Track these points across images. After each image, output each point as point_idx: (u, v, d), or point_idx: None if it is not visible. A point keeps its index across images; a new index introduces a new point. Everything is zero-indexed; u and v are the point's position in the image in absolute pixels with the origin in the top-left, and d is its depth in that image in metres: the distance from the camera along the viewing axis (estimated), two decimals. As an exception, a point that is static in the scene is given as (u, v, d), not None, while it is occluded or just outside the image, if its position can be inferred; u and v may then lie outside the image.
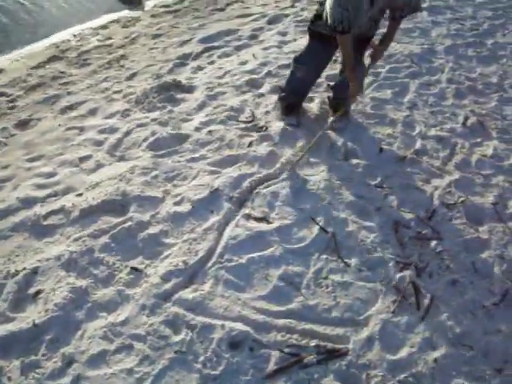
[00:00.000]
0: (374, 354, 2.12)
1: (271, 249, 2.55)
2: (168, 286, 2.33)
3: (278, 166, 3.12)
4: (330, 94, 3.70)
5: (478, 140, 3.65)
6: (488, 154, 3.49)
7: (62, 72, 4.63)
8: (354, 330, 2.21)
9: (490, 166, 3.37)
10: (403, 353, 2.14)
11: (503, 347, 2.22)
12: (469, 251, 2.68)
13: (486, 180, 3.24)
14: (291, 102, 3.62)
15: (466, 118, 3.88)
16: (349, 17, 2.67)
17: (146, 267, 2.44)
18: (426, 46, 5.02)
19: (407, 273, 2.49)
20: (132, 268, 2.43)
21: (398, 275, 2.47)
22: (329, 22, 2.77)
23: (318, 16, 3.03)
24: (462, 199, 3.01)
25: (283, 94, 3.63)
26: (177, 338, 2.11)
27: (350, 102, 3.28)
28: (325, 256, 2.55)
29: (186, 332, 2.13)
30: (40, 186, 3.02)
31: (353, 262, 2.54)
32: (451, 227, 2.82)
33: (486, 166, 3.38)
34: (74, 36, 5.59)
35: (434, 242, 2.69)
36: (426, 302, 2.37)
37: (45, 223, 2.73)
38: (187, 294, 2.30)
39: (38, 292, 2.32)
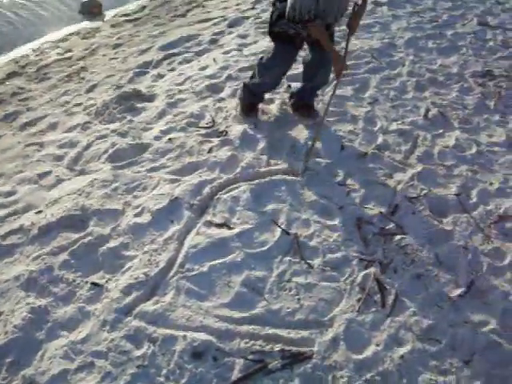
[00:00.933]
0: (339, 354, 2.11)
1: (233, 255, 2.53)
2: (129, 299, 2.29)
3: (238, 170, 3.10)
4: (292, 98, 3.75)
5: (440, 131, 3.67)
6: (450, 145, 3.51)
7: (21, 88, 4.56)
8: (318, 332, 2.20)
9: (452, 157, 3.39)
10: (369, 352, 2.13)
11: (470, 339, 2.22)
12: (433, 244, 2.69)
13: (449, 171, 3.25)
14: (251, 101, 3.65)
15: (428, 110, 3.90)
16: (317, 5, 2.71)
17: (106, 282, 2.40)
18: (386, 41, 5.03)
19: (371, 270, 2.48)
20: (92, 283, 2.39)
21: (363, 273, 2.47)
22: (296, 14, 2.78)
23: (279, 16, 3.01)
24: (424, 192, 3.02)
25: (243, 95, 3.64)
26: (138, 353, 2.08)
27: (337, 80, 3.17)
28: (288, 258, 2.54)
29: (148, 345, 2.10)
30: (-1, 206, 2.96)
31: (316, 262, 2.52)
32: (415, 221, 2.82)
33: (449, 156, 3.39)
34: (34, 50, 5.51)
35: (397, 237, 2.69)
36: (392, 298, 2.36)
37: (4, 243, 2.67)
38: (148, 306, 2.26)
39: (-2, 315, 2.28)
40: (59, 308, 2.29)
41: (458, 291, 2.44)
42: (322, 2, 2.71)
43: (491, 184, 3.15)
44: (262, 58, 3.39)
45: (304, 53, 3.51)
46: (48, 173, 3.23)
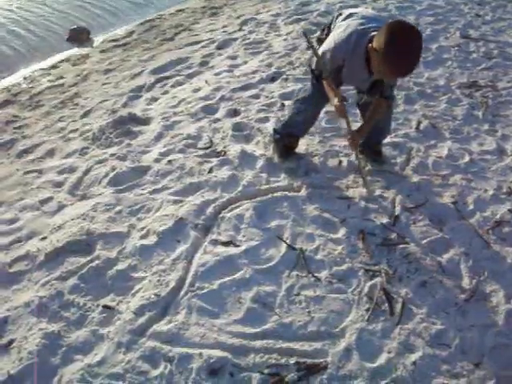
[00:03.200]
0: (353, 364, 2.14)
1: (241, 272, 2.56)
2: (142, 320, 2.31)
3: (239, 188, 3.15)
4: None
5: (433, 142, 3.75)
6: (443, 155, 3.59)
7: (15, 116, 4.58)
8: (331, 343, 2.23)
9: (446, 167, 3.46)
10: (382, 359, 2.17)
11: (479, 341, 2.27)
12: (435, 251, 2.75)
13: (444, 180, 3.32)
14: (288, 142, 3.43)
15: (419, 122, 3.99)
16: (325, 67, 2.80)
17: (117, 304, 2.42)
18: (373, 57, 5.13)
19: (377, 280, 2.53)
20: (104, 306, 2.41)
21: (369, 283, 2.52)
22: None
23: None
24: (422, 201, 3.08)
25: (278, 136, 3.43)
26: (156, 372, 2.09)
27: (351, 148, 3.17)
28: (295, 273, 2.58)
29: (165, 365, 2.12)
30: (2, 234, 2.96)
31: (323, 275, 2.57)
32: (415, 230, 2.88)
33: (443, 166, 3.47)
34: (25, 78, 5.54)
35: (400, 247, 2.75)
36: (399, 306, 2.41)
37: (11, 270, 2.68)
38: (162, 326, 2.29)
39: (11, 342, 2.27)
40: (72, 332, 2.30)
41: (463, 296, 2.49)
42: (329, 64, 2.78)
43: (486, 191, 3.22)
44: (297, 96, 3.34)
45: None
46: (49, 199, 3.24)
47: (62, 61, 6.04)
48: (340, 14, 2.93)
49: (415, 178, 3.30)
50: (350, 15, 2.81)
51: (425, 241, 2.80)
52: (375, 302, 2.42)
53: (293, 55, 5.20)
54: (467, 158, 3.54)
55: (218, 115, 4.09)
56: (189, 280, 2.52)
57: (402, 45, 2.30)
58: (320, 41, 3.05)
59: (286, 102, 4.03)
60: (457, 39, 5.70)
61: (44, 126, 4.32)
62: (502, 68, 5.05)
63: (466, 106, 4.27)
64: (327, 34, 2.94)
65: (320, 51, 2.82)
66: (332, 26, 2.94)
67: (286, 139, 3.40)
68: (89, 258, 2.68)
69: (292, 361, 2.15)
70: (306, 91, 3.23)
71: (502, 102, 4.37)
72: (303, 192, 3.13)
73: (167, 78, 4.99)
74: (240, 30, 6.19)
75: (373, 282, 2.53)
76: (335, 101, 2.77)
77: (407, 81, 4.63)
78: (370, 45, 2.48)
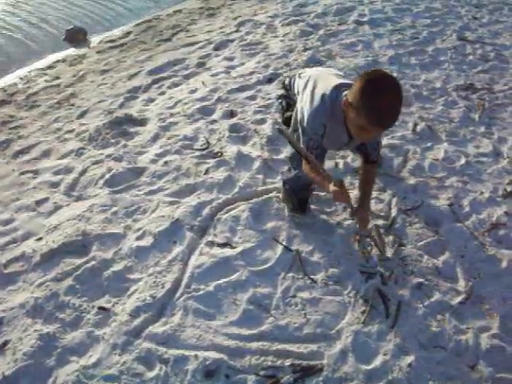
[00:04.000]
0: (348, 366, 2.14)
1: (237, 273, 2.56)
2: (137, 321, 2.31)
3: (236, 190, 3.16)
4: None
5: (429, 144, 3.75)
6: (439, 158, 3.59)
7: (11, 116, 4.57)
8: (327, 345, 2.23)
9: (442, 169, 3.46)
10: (377, 361, 2.17)
11: (474, 344, 2.27)
12: (430, 254, 2.75)
13: (440, 183, 3.32)
14: (299, 197, 2.94)
15: (416, 125, 3.99)
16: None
17: (113, 305, 2.42)
18: (370, 59, 5.14)
19: (373, 282, 2.53)
20: (99, 308, 2.40)
21: (364, 285, 2.52)
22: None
23: None
24: (418, 204, 3.08)
25: (288, 194, 2.97)
26: (151, 374, 2.09)
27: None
28: (291, 274, 2.58)
29: (160, 367, 2.11)
30: (-2, 234, 2.96)
31: (319, 277, 2.57)
32: (411, 232, 2.88)
33: (439, 168, 3.47)
34: (21, 79, 5.53)
35: (396, 249, 2.75)
36: (395, 308, 2.41)
37: (6, 271, 2.68)
38: (157, 328, 2.28)
39: (5, 343, 2.27)
40: (67, 334, 2.29)
41: (459, 298, 2.50)
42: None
43: (482, 193, 3.23)
44: (291, 158, 3.00)
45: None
46: (45, 199, 3.24)
47: (58, 61, 6.03)
48: (299, 77, 2.82)
49: (411, 180, 3.30)
50: (310, 78, 2.67)
51: (421, 243, 2.80)
52: (371, 304, 2.41)
53: (290, 56, 5.20)
54: (463, 161, 3.54)
55: (214, 116, 4.09)
56: (185, 281, 2.52)
57: (380, 90, 2.10)
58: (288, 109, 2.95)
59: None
60: (453, 41, 5.71)
61: (40, 126, 4.31)
62: (498, 70, 5.06)
63: (462, 108, 4.27)
64: (289, 104, 2.88)
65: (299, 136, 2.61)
66: (294, 91, 2.83)
67: (299, 193, 2.93)
68: (84, 259, 2.68)
69: (288, 363, 2.14)
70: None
71: (498, 105, 4.38)
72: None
73: (164, 78, 4.99)
74: (237, 31, 6.19)
75: (368, 284, 2.52)
76: (330, 187, 2.45)
77: (404, 83, 4.63)
78: (345, 99, 2.29)
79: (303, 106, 2.59)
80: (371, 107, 2.09)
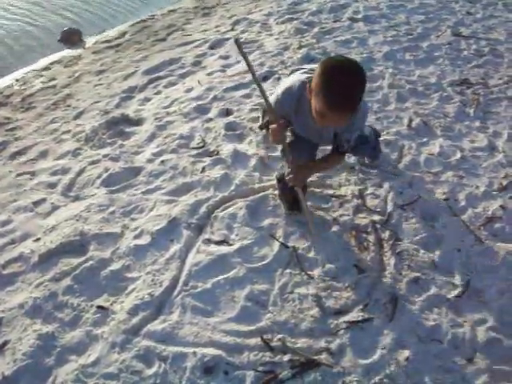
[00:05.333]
0: (346, 360, 2.16)
1: (234, 270, 2.58)
2: (136, 320, 2.32)
3: (232, 187, 3.17)
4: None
5: (424, 140, 3.76)
6: (435, 152, 3.60)
7: (7, 118, 4.57)
8: (324, 340, 2.25)
9: (438, 164, 3.48)
10: (375, 356, 2.19)
11: (471, 337, 2.29)
12: (427, 248, 2.77)
13: (436, 177, 3.34)
14: (294, 194, 2.81)
15: (411, 120, 4.00)
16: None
17: (111, 304, 2.43)
18: (365, 55, 5.15)
19: (370, 277, 2.55)
20: (98, 307, 2.41)
21: (362, 280, 2.53)
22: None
23: None
24: (414, 198, 3.10)
25: (281, 191, 2.99)
26: (150, 372, 2.10)
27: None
28: (288, 271, 2.59)
29: (159, 364, 2.13)
30: (-4, 236, 2.97)
31: (316, 273, 2.58)
32: (408, 227, 2.90)
33: (435, 163, 3.48)
34: (17, 80, 5.53)
35: (393, 244, 2.76)
36: (392, 303, 2.42)
37: (4, 272, 2.69)
38: (156, 325, 2.30)
39: (5, 343, 2.28)
40: (66, 333, 2.31)
41: (455, 292, 2.51)
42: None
43: (477, 187, 3.24)
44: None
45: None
46: (43, 200, 3.25)
47: (54, 62, 6.02)
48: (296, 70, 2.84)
49: (407, 176, 3.31)
50: (298, 69, 2.75)
51: (417, 237, 2.82)
52: (368, 298, 2.43)
53: (285, 54, 5.20)
54: (459, 155, 3.56)
55: (210, 115, 4.10)
56: (182, 279, 2.54)
57: (336, 76, 2.11)
58: None
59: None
60: (448, 37, 5.72)
61: (36, 127, 4.31)
62: (492, 65, 5.07)
63: (457, 103, 4.28)
64: None
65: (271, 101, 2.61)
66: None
67: (293, 191, 2.80)
68: (82, 259, 2.69)
69: (286, 358, 2.16)
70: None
71: (493, 99, 4.39)
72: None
73: (160, 78, 4.99)
74: (232, 29, 6.19)
75: (365, 279, 2.54)
76: (273, 124, 2.51)
77: (399, 78, 4.65)
78: (308, 85, 2.32)
79: (276, 90, 2.66)
80: (326, 92, 2.12)
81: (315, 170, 2.90)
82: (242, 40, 5.72)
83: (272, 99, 2.62)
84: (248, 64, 2.50)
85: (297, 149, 2.71)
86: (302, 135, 2.73)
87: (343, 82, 2.09)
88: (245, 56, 2.33)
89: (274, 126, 2.50)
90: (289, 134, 2.83)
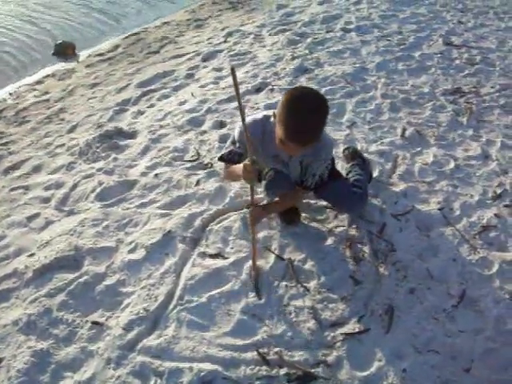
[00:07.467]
0: (343, 373, 2.15)
1: (230, 283, 2.57)
2: (131, 335, 2.30)
3: (227, 200, 3.16)
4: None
5: (418, 149, 3.77)
6: (429, 162, 3.61)
7: (1, 132, 4.57)
8: (321, 353, 2.23)
9: (432, 173, 3.48)
10: (372, 368, 2.18)
11: (468, 347, 2.28)
12: (422, 258, 2.76)
13: (430, 187, 3.34)
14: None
15: (404, 130, 4.01)
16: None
17: (106, 319, 2.41)
18: (357, 65, 5.18)
19: (366, 288, 2.54)
20: (93, 322, 2.40)
21: (358, 292, 2.52)
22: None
23: None
24: (409, 208, 3.10)
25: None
26: (146, 388, 2.09)
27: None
28: (284, 283, 2.58)
29: (155, 380, 2.11)
30: (-11, 252, 2.95)
31: (312, 285, 2.57)
32: (403, 237, 2.89)
33: (429, 173, 3.49)
34: (10, 94, 5.54)
35: (388, 254, 2.76)
36: (388, 314, 2.41)
37: (-2, 289, 2.68)
38: (151, 340, 2.28)
39: (0, 360, 2.26)
40: (61, 349, 2.29)
41: (452, 302, 2.51)
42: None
43: (472, 196, 3.25)
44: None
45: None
46: (36, 215, 3.23)
47: (47, 76, 6.04)
48: None
49: (401, 186, 3.31)
50: None
51: (412, 248, 2.82)
52: (364, 310, 2.42)
53: (278, 66, 5.23)
54: (452, 164, 3.57)
55: (204, 127, 4.10)
56: (178, 293, 2.52)
57: (296, 107, 2.16)
58: None
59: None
60: (440, 46, 5.77)
61: (30, 141, 4.31)
62: (484, 74, 5.11)
63: (450, 112, 4.31)
64: None
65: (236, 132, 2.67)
66: None
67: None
68: (77, 274, 2.68)
69: (282, 372, 2.15)
70: None
71: (485, 108, 4.42)
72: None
73: (153, 91, 5.01)
74: (225, 41, 6.22)
75: (361, 290, 2.53)
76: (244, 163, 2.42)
77: (391, 88, 4.67)
78: (273, 113, 2.40)
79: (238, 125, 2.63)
80: (287, 123, 2.18)
81: (270, 209, 2.87)
82: (234, 52, 5.75)
83: (236, 132, 2.66)
84: (237, 94, 2.45)
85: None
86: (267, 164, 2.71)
87: (303, 113, 2.15)
88: (236, 87, 2.32)
89: (247, 162, 2.39)
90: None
